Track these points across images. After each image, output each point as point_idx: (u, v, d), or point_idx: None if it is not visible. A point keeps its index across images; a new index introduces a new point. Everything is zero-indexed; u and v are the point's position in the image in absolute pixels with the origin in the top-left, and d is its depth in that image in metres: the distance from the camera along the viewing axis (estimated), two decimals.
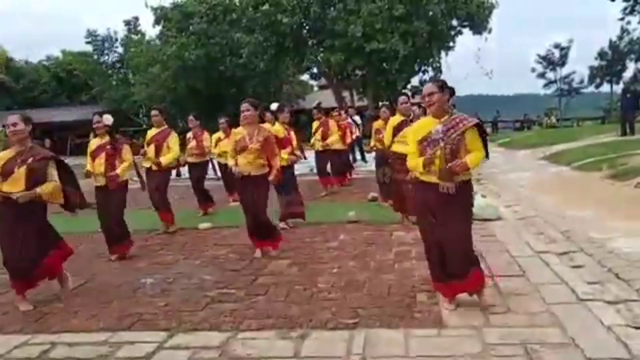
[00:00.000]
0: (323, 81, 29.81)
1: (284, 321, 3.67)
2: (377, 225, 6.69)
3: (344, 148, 10.98)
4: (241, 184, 5.46)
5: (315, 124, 10.40)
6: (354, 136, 12.74)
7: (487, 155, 3.70)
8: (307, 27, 24.04)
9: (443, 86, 3.67)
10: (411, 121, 6.05)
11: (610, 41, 39.34)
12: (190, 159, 8.50)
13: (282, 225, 6.77)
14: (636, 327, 3.22)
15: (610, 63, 39.48)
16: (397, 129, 6.51)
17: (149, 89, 28.77)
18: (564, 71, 41.67)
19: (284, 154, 6.61)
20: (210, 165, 9.40)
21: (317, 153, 10.16)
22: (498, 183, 10.13)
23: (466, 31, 24.74)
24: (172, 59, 26.58)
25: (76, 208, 4.64)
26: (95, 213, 5.75)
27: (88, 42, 36.63)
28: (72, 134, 29.64)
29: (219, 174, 9.67)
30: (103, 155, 5.65)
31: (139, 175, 5.96)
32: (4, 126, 4.50)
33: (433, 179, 3.62)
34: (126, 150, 5.74)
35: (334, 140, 9.99)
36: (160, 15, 28.93)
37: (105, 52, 37.13)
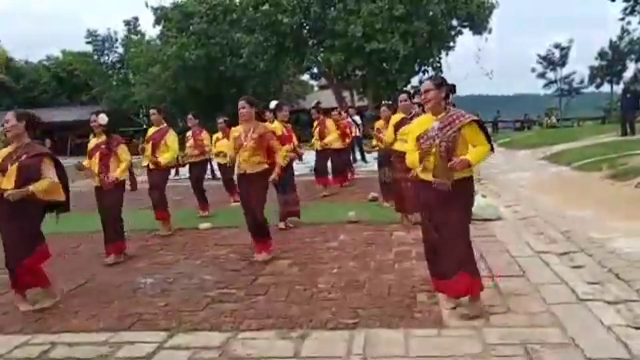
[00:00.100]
0: (323, 81, 29.85)
1: (284, 321, 3.67)
2: (377, 225, 6.68)
3: (343, 147, 10.94)
4: (239, 182, 5.48)
5: (315, 124, 10.39)
6: (352, 135, 12.70)
7: (492, 149, 3.62)
8: (307, 27, 24.09)
9: (441, 84, 3.63)
10: (411, 119, 6.04)
11: (611, 41, 39.46)
12: (190, 160, 8.48)
13: (282, 225, 6.78)
14: (636, 328, 3.22)
15: (610, 63, 39.53)
16: (398, 127, 6.52)
17: (149, 89, 28.82)
18: (564, 71, 41.88)
19: (283, 150, 6.58)
20: (209, 165, 9.38)
21: (317, 152, 10.12)
22: (498, 183, 10.12)
23: (466, 31, 24.85)
24: (172, 59, 26.62)
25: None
26: (95, 213, 5.74)
27: (88, 42, 36.82)
28: (73, 134, 29.59)
29: (218, 174, 9.66)
30: (97, 154, 5.59)
31: (132, 175, 5.91)
32: (2, 126, 4.49)
33: (431, 177, 3.59)
34: (122, 150, 5.66)
35: (332, 139, 9.92)
36: (161, 16, 28.99)
37: (106, 52, 37.30)
